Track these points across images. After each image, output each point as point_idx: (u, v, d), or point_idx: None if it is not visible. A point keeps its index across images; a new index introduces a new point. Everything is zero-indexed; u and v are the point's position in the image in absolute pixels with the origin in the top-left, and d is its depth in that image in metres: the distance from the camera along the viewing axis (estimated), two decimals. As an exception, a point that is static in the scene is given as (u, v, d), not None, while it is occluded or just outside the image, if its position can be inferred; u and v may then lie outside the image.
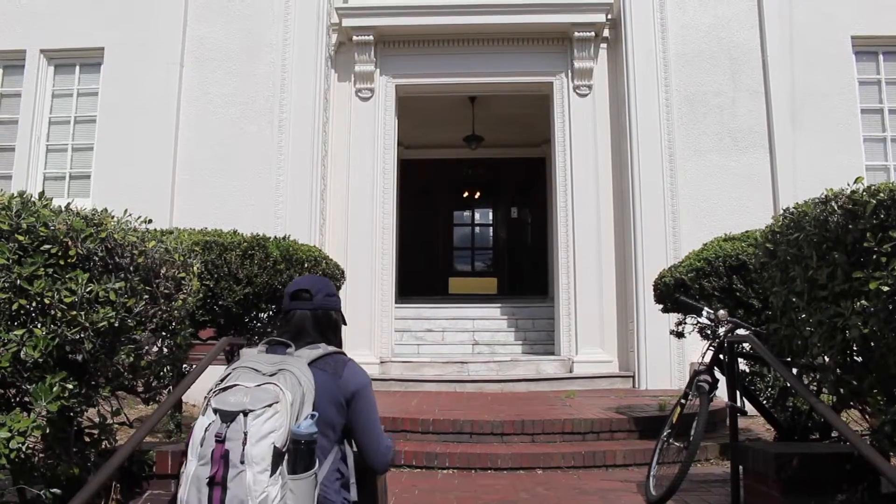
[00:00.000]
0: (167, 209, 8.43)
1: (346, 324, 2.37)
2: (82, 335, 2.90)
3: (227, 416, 1.87)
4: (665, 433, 4.29)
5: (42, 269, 2.85)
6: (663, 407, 6.04)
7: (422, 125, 12.43)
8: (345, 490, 2.06)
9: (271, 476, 1.82)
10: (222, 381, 1.98)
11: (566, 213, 8.90)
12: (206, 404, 1.92)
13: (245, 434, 1.83)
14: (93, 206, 3.44)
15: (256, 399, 1.88)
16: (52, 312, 2.84)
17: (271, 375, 1.94)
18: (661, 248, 8.28)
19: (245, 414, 1.85)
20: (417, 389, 8.00)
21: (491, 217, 15.47)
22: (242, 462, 1.81)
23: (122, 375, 3.22)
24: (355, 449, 2.17)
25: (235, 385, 1.94)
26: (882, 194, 2.83)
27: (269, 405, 1.86)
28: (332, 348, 2.16)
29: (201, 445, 1.87)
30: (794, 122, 8.59)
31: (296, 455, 1.85)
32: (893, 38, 8.68)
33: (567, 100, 9.10)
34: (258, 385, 1.91)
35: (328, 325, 2.22)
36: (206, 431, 1.88)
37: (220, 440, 1.84)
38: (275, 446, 1.83)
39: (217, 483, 1.81)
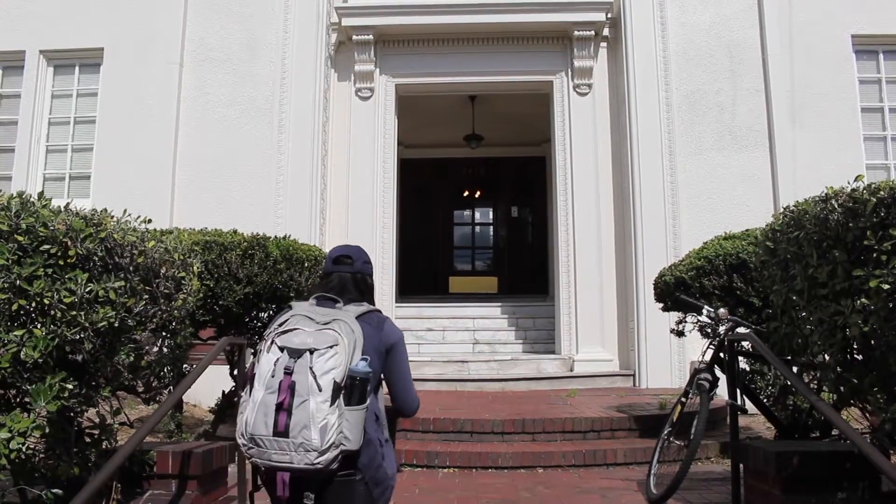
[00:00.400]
0: (167, 209, 8.43)
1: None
2: (82, 335, 2.90)
3: (295, 353, 2.14)
4: (665, 432, 4.29)
5: (42, 269, 2.84)
6: (664, 405, 6.03)
7: (422, 124, 12.42)
8: (380, 428, 2.35)
9: (330, 406, 2.09)
10: (281, 325, 2.24)
11: (566, 211, 8.90)
12: (271, 343, 2.19)
13: (310, 369, 2.11)
14: (92, 206, 3.44)
15: (320, 341, 2.16)
16: (52, 313, 2.84)
17: (326, 324, 2.22)
18: (662, 246, 8.28)
19: (311, 352, 2.14)
20: (418, 388, 7.84)
21: (491, 216, 15.46)
22: (307, 392, 2.09)
23: (122, 375, 3.22)
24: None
25: (296, 329, 2.21)
26: (882, 192, 2.83)
27: (331, 346, 2.15)
28: (372, 307, 2.46)
29: (272, 377, 2.13)
30: (795, 121, 8.58)
31: (351, 389, 2.14)
32: (893, 36, 8.68)
33: (567, 99, 9.09)
34: (318, 329, 2.20)
35: (365, 287, 2.55)
36: (274, 365, 2.14)
37: (289, 373, 2.11)
38: (335, 381, 2.11)
39: (284, 409, 2.08)
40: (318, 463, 2.09)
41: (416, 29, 9.11)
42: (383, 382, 2.47)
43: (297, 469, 2.11)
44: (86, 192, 8.68)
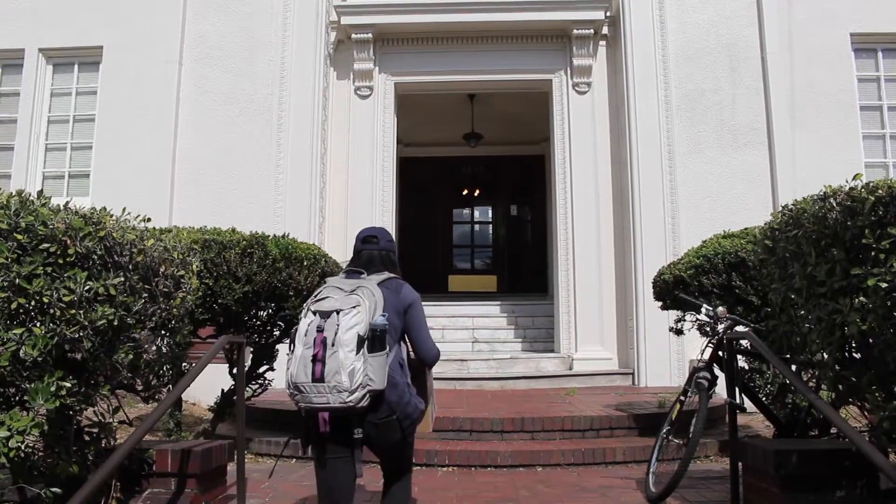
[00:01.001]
0: (166, 207, 8.44)
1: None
2: (81, 334, 2.90)
3: (324, 315, 2.66)
4: (664, 430, 4.29)
5: (41, 267, 2.84)
6: (663, 404, 6.04)
7: (421, 123, 12.43)
8: (405, 374, 2.84)
9: (356, 354, 2.58)
10: (317, 296, 2.77)
11: (566, 210, 8.90)
12: (307, 310, 2.72)
13: (338, 326, 2.61)
14: (92, 204, 3.44)
15: (345, 303, 2.67)
16: (51, 311, 2.84)
17: (352, 291, 2.72)
18: (661, 245, 8.28)
19: (337, 312, 2.64)
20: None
21: (490, 215, 15.45)
22: (335, 345, 2.58)
23: (121, 374, 3.22)
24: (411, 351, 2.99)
25: (327, 297, 2.73)
26: (880, 191, 2.83)
27: (354, 307, 2.65)
28: (392, 274, 2.96)
29: (305, 335, 2.65)
30: (794, 120, 8.59)
31: (373, 340, 2.62)
32: (892, 35, 8.69)
33: (566, 97, 9.10)
34: (345, 295, 2.71)
35: (389, 261, 3.04)
36: (309, 326, 2.66)
37: (321, 330, 2.62)
38: (358, 334, 2.60)
39: (318, 360, 2.58)
40: (350, 401, 2.57)
41: (415, 27, 9.12)
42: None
43: (333, 408, 2.59)
44: (85, 191, 8.69)
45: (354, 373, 2.57)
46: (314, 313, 2.70)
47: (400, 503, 2.96)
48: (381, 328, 2.65)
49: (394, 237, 9.88)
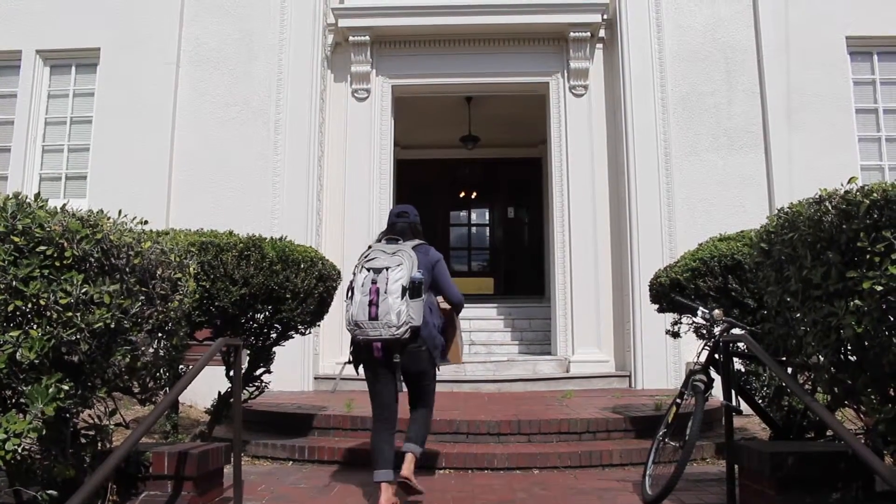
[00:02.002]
0: (163, 210, 8.44)
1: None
2: (78, 336, 2.90)
3: (377, 271, 3.78)
4: (661, 433, 4.29)
5: (38, 270, 2.85)
6: (659, 406, 6.05)
7: (418, 125, 12.43)
8: (433, 315, 3.99)
9: (401, 300, 3.69)
10: (366, 257, 3.89)
11: (562, 213, 8.91)
12: (361, 267, 3.84)
13: (387, 279, 3.72)
14: (89, 206, 3.44)
15: (390, 262, 3.78)
16: (48, 314, 2.84)
17: (394, 253, 3.84)
18: (657, 247, 8.30)
19: (386, 269, 3.76)
20: (414, 389, 7.99)
21: (487, 217, 15.47)
22: (386, 293, 3.69)
23: (118, 377, 3.22)
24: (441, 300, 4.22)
25: (376, 258, 3.84)
26: (875, 194, 2.85)
27: (398, 265, 3.76)
28: (421, 241, 4.10)
29: (362, 286, 3.77)
30: (790, 122, 8.61)
31: (413, 290, 3.74)
32: (887, 38, 8.73)
33: (563, 100, 9.11)
34: (389, 256, 3.81)
35: (417, 230, 4.20)
36: (364, 279, 3.77)
37: (374, 283, 3.73)
38: (402, 286, 3.71)
39: (373, 304, 3.69)
40: (396, 334, 3.69)
41: (412, 30, 9.13)
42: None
43: (384, 339, 3.71)
44: (82, 193, 8.68)
45: (400, 314, 3.68)
46: (368, 270, 3.82)
47: (421, 426, 4.11)
48: (419, 281, 3.80)
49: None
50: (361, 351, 3.83)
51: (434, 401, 4.18)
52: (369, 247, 3.97)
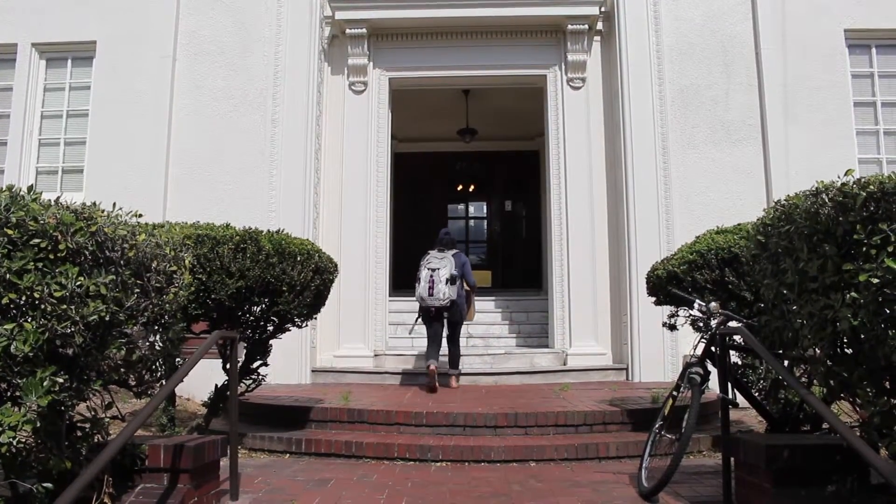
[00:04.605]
0: (160, 203, 8.43)
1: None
2: (73, 329, 2.89)
3: (433, 270, 7.22)
4: (657, 425, 4.30)
5: (32, 263, 2.83)
6: (656, 399, 6.05)
7: (415, 118, 12.41)
8: (462, 292, 7.39)
9: (445, 285, 7.13)
10: (427, 260, 7.33)
11: (560, 206, 8.91)
12: (424, 267, 7.29)
13: (439, 274, 7.17)
14: (85, 199, 3.42)
15: (441, 265, 7.22)
16: (43, 307, 2.83)
17: (441, 258, 7.29)
18: (655, 240, 8.30)
19: (437, 269, 7.20)
20: (412, 382, 8.02)
21: (485, 210, 15.48)
22: (438, 282, 7.13)
23: (113, 369, 3.21)
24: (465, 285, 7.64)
25: (432, 261, 7.28)
26: (872, 187, 2.84)
27: (445, 267, 7.20)
28: (456, 250, 7.55)
29: (424, 278, 7.21)
30: (788, 115, 8.60)
31: (452, 280, 7.17)
32: (886, 31, 8.72)
33: (561, 93, 9.10)
34: (439, 260, 7.27)
35: (453, 243, 7.60)
36: (426, 274, 7.22)
37: (431, 276, 7.18)
38: (446, 278, 7.14)
39: (431, 287, 7.14)
40: (444, 303, 7.13)
41: (409, 22, 9.09)
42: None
43: (437, 306, 7.15)
44: (79, 186, 8.67)
45: (445, 293, 7.08)
46: (427, 269, 7.21)
47: (455, 356, 7.66)
48: (456, 275, 7.18)
49: (387, 232, 10.07)
50: (425, 312, 7.24)
51: (460, 338, 7.70)
52: (428, 252, 7.44)
